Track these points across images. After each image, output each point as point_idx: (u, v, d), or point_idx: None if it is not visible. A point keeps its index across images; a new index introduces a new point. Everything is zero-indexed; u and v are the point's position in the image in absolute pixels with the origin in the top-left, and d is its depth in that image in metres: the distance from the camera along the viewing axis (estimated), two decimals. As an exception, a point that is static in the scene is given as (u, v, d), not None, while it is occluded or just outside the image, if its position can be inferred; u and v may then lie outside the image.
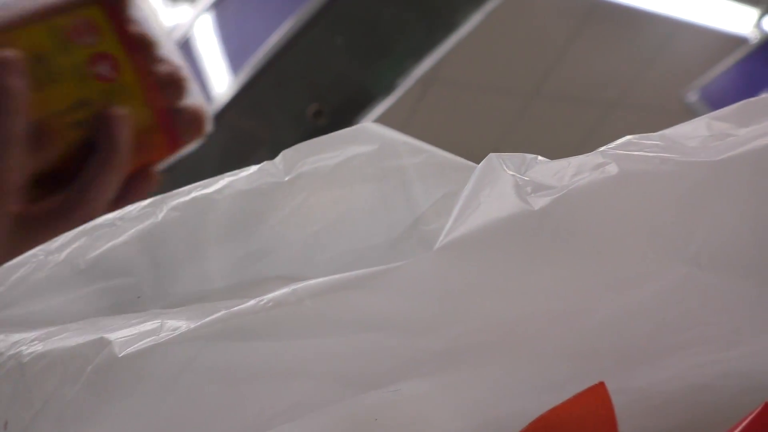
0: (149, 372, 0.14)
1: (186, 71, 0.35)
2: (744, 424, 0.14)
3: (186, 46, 0.89)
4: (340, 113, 0.83)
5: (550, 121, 2.88)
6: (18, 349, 0.17)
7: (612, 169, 0.14)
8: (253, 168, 0.20)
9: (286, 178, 0.20)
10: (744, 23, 2.41)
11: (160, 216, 0.19)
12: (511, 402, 0.16)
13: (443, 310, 0.14)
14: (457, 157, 0.20)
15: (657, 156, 0.15)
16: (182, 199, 0.20)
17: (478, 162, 0.20)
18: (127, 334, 0.15)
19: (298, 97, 0.82)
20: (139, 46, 0.33)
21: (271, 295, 0.14)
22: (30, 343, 0.17)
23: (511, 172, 0.15)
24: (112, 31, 0.32)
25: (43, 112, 0.31)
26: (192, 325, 0.14)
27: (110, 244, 0.19)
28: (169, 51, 0.35)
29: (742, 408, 0.14)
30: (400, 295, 0.14)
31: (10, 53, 0.29)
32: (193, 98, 0.36)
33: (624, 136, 0.17)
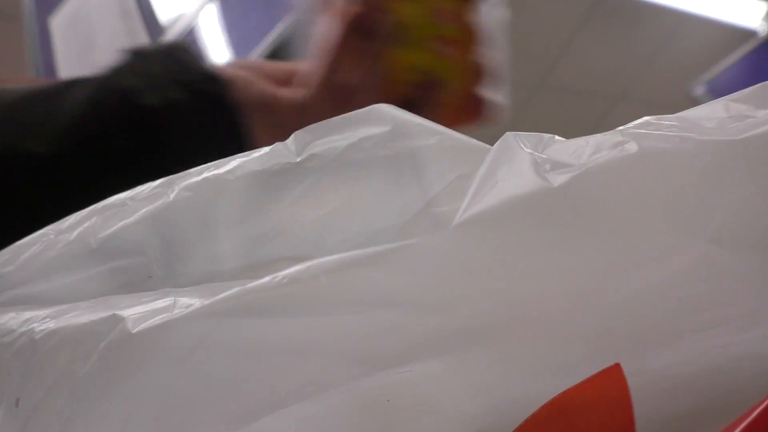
0: (163, 348, 0.14)
1: (494, 67, 0.42)
2: (760, 408, 0.13)
3: (191, 35, 0.88)
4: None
5: (554, 114, 2.87)
6: (30, 327, 0.17)
7: (631, 147, 0.14)
8: (265, 149, 0.20)
9: (298, 159, 0.20)
10: (752, 16, 2.39)
11: (172, 196, 0.19)
12: (525, 384, 0.15)
13: (458, 289, 0.14)
14: (471, 138, 0.19)
15: (677, 135, 0.15)
16: (194, 179, 0.19)
17: (489, 146, 0.20)
18: (140, 311, 0.15)
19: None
20: (474, 39, 0.41)
21: (285, 272, 0.14)
22: (42, 320, 0.17)
23: (529, 150, 0.15)
24: (462, 23, 0.40)
25: (391, 65, 0.39)
26: (206, 302, 0.14)
27: (121, 223, 0.19)
28: (489, 47, 0.42)
29: (758, 391, 0.14)
30: (415, 273, 0.14)
31: None
32: (492, 91, 0.44)
33: None
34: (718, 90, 1.97)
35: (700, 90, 2.04)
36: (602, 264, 0.14)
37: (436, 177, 0.19)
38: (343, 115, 0.20)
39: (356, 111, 0.20)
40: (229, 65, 0.45)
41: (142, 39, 0.95)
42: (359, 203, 0.19)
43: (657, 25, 2.61)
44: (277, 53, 0.77)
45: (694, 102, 2.07)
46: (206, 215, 0.19)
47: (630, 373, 0.15)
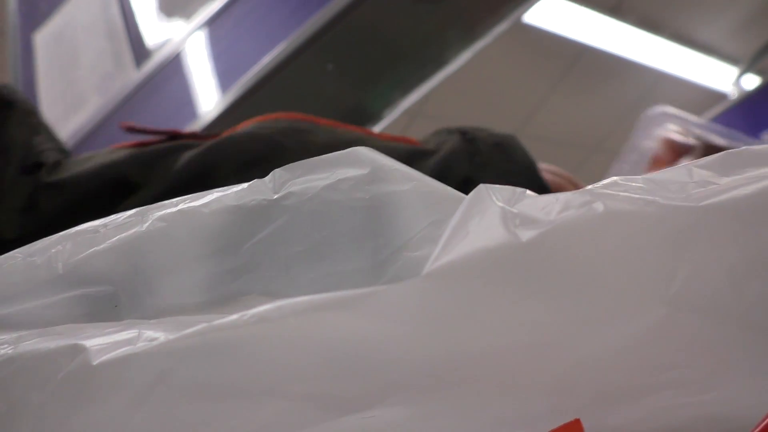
0: (123, 382, 0.14)
1: None
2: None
3: (177, 61, 0.89)
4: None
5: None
6: (-13, 352, 0.16)
7: (598, 207, 0.15)
8: (244, 184, 0.20)
9: (275, 196, 0.20)
10: (724, 79, 2.49)
11: (145, 226, 0.19)
12: (486, 435, 0.16)
13: (425, 338, 0.14)
14: (446, 186, 0.20)
15: (642, 198, 0.15)
16: (169, 211, 0.19)
17: (463, 194, 0.20)
18: (103, 342, 0.15)
19: (285, 119, 0.82)
20: None
21: (254, 311, 0.14)
22: (0, 345, 0.16)
23: (500, 204, 0.15)
24: None
25: None
26: (170, 337, 0.14)
27: (91, 250, 0.19)
28: None
29: (714, 452, 0.14)
30: (384, 318, 0.14)
31: None
32: None
33: (603, 179, 0.17)
34: (690, 148, 2.03)
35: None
36: (566, 320, 0.15)
37: (409, 222, 0.19)
38: (323, 156, 0.20)
39: (336, 152, 0.21)
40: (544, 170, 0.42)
41: (127, 61, 0.95)
42: (332, 243, 0.19)
43: (633, 82, 2.70)
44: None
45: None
46: (179, 247, 0.19)
47: (589, 429, 0.15)
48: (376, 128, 0.90)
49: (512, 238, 0.14)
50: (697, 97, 2.68)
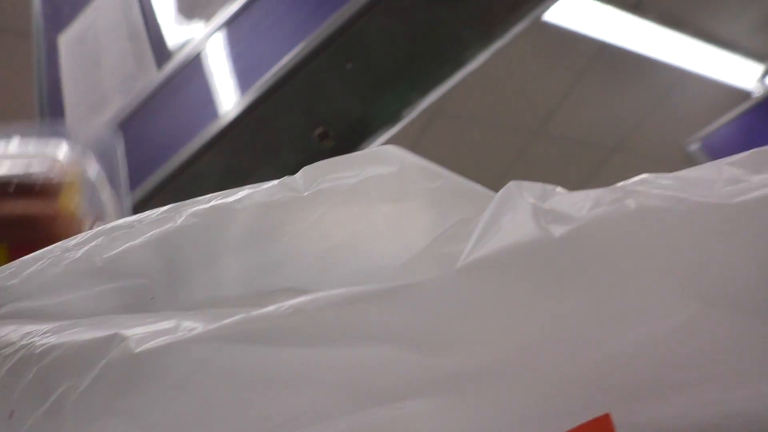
0: (163, 370, 0.14)
1: None
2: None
3: (197, 62, 0.90)
4: (346, 137, 0.84)
5: (550, 161, 2.90)
6: (30, 340, 0.17)
7: (630, 203, 0.15)
8: (275, 181, 0.20)
9: (306, 193, 0.20)
10: (748, 77, 2.45)
11: (179, 221, 0.20)
12: (514, 427, 0.16)
13: (457, 331, 0.15)
14: (474, 184, 0.20)
15: (673, 195, 0.15)
16: (202, 207, 0.20)
17: (491, 191, 0.20)
18: (143, 332, 0.15)
19: (304, 119, 0.83)
20: None
21: (291, 302, 0.14)
22: (42, 334, 0.17)
23: (532, 200, 0.15)
24: None
25: None
26: (209, 327, 0.15)
27: (128, 245, 0.19)
28: None
29: (745, 449, 0.14)
30: (417, 312, 0.14)
31: None
32: None
33: (624, 180, 0.18)
34: (713, 147, 2.01)
35: (694, 146, 2.07)
36: (598, 315, 0.15)
37: (438, 219, 0.19)
38: (352, 154, 0.21)
39: (366, 150, 0.21)
40: None
41: (148, 62, 0.96)
42: (362, 240, 0.20)
43: (656, 80, 2.67)
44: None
45: (689, 157, 2.11)
46: (212, 242, 0.20)
47: (619, 424, 0.15)
48: (396, 128, 0.90)
49: (544, 234, 0.14)
50: (721, 95, 2.64)
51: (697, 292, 0.15)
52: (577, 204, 0.15)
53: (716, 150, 1.97)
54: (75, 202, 0.38)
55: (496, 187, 0.20)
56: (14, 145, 0.40)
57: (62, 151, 0.41)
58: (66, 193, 0.37)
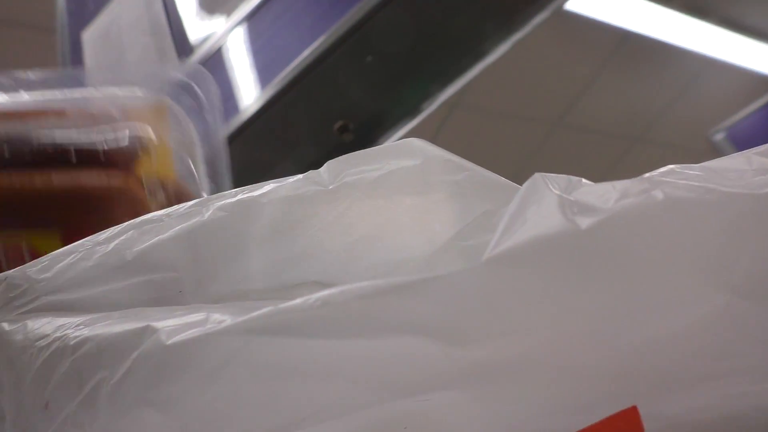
0: (194, 361, 0.15)
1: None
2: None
3: (218, 56, 0.90)
4: (366, 130, 0.84)
5: (571, 152, 2.87)
6: (64, 333, 0.17)
7: (657, 194, 0.15)
8: (299, 176, 0.21)
9: (330, 187, 0.20)
10: (775, 66, 2.40)
11: (207, 215, 0.20)
12: (541, 420, 0.16)
13: (484, 322, 0.15)
14: (498, 176, 0.20)
15: (701, 185, 0.15)
16: (228, 201, 0.20)
17: (515, 184, 0.20)
18: (174, 324, 0.15)
19: (324, 112, 0.83)
20: None
21: (318, 294, 0.15)
22: (76, 327, 0.17)
23: (557, 192, 0.15)
24: None
25: None
26: (239, 319, 0.15)
27: (157, 238, 0.20)
28: None
29: (774, 442, 0.14)
30: (444, 304, 0.15)
31: None
32: None
33: (647, 171, 0.17)
34: (738, 137, 1.97)
35: (719, 136, 2.04)
36: (625, 307, 0.15)
37: (463, 211, 0.19)
38: (376, 147, 0.21)
39: (389, 144, 0.21)
40: None
41: (171, 57, 0.97)
42: (387, 233, 0.20)
43: (681, 68, 2.62)
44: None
45: (714, 147, 2.07)
46: (239, 235, 0.20)
47: (646, 416, 0.15)
48: (415, 121, 0.90)
49: (571, 226, 0.14)
50: (748, 84, 2.58)
51: (726, 283, 0.14)
52: (604, 195, 0.15)
53: (742, 140, 1.93)
54: (153, 172, 0.29)
55: (517, 179, 0.20)
56: (77, 94, 0.31)
57: (136, 101, 0.32)
58: (142, 162, 0.29)
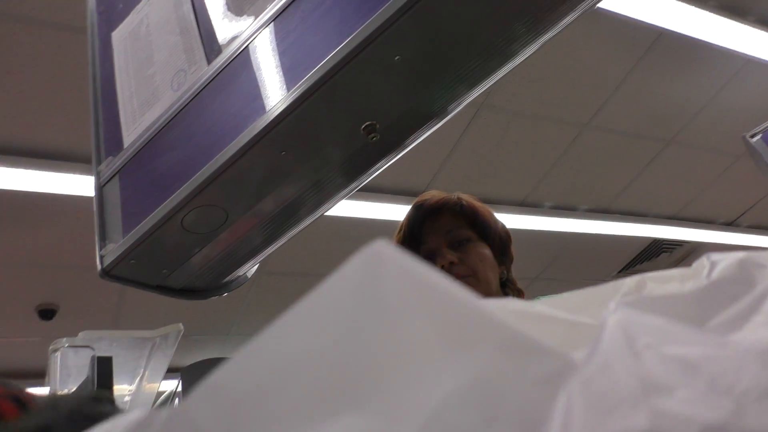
0: None
1: None
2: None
3: (246, 56, 0.90)
4: (392, 130, 0.83)
5: (601, 153, 2.82)
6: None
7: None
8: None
9: None
10: (814, 67, 2.33)
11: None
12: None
13: None
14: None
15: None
16: None
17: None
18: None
19: (351, 112, 0.82)
20: None
21: None
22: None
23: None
24: None
25: None
26: None
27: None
28: None
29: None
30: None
31: None
32: None
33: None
34: (775, 140, 1.91)
35: (755, 138, 1.98)
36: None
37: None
38: None
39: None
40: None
41: (198, 57, 0.97)
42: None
43: (717, 68, 2.56)
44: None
45: (749, 149, 2.01)
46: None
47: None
48: (442, 122, 0.89)
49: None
50: (785, 86, 2.51)
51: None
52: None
53: (779, 142, 1.87)
54: None
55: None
56: None
57: None
58: None
